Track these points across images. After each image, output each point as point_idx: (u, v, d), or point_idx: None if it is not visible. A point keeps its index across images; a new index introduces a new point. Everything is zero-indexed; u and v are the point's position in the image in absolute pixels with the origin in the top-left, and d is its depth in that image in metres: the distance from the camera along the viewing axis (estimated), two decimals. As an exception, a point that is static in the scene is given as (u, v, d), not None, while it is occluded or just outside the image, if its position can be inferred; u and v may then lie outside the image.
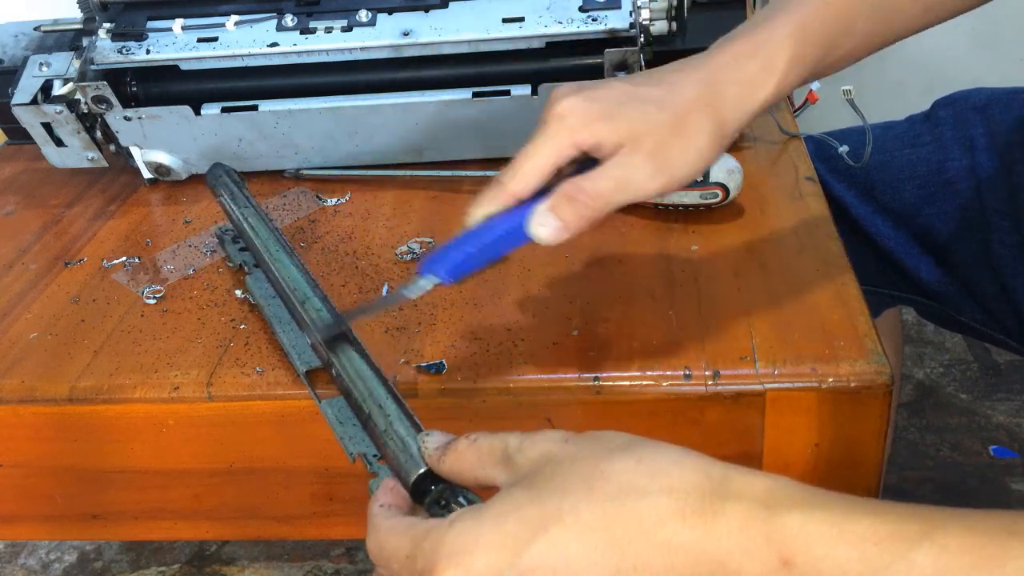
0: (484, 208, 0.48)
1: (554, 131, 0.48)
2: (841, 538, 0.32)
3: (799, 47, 0.49)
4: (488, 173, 0.73)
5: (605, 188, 0.46)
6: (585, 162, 0.48)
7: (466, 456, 0.39)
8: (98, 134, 0.76)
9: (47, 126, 0.75)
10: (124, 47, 0.73)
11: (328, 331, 0.50)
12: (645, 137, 0.47)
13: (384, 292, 0.62)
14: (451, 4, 0.73)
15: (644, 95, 0.48)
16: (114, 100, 0.73)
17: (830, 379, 0.50)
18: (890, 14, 0.53)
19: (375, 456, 0.47)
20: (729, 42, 0.51)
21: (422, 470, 0.40)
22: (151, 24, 0.74)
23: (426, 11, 0.72)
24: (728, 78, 0.49)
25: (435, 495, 0.40)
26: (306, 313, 0.52)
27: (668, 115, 0.47)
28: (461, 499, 0.39)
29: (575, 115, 0.47)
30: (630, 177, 0.47)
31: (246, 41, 0.72)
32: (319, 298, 0.53)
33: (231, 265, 0.65)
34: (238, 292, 0.63)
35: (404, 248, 0.66)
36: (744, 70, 0.49)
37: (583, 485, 0.35)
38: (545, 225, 0.46)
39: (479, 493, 0.39)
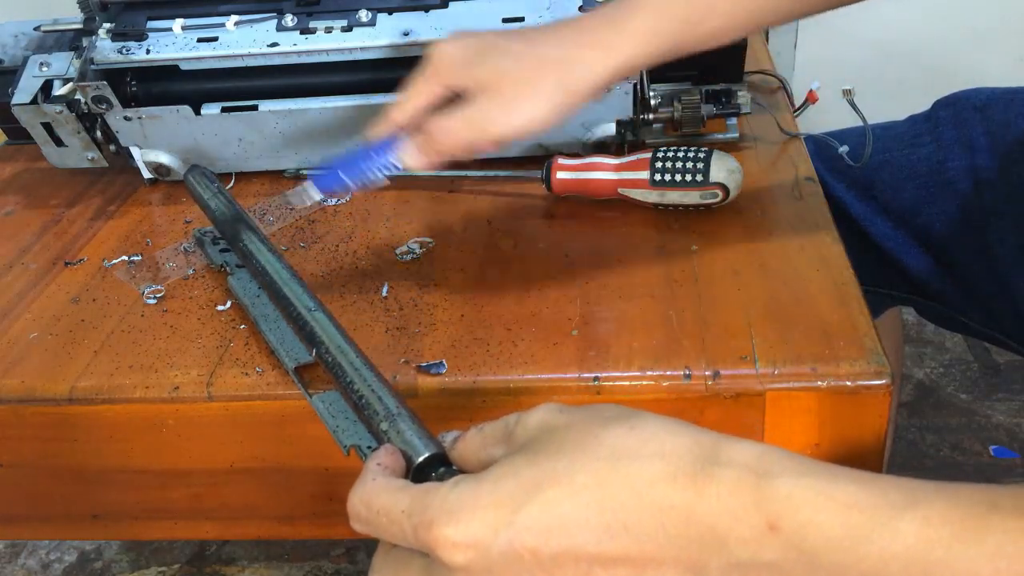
0: (375, 131, 0.56)
1: (428, 73, 0.55)
2: (827, 505, 0.32)
3: (656, 20, 0.53)
4: (488, 173, 0.73)
5: (455, 126, 0.53)
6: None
7: (473, 441, 0.40)
8: (98, 134, 0.76)
9: (47, 126, 0.75)
10: (124, 47, 0.73)
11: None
12: (498, 85, 0.53)
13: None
14: (451, 4, 0.73)
15: (507, 47, 0.54)
16: (114, 100, 0.73)
17: (830, 379, 0.50)
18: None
19: (369, 447, 0.47)
20: (598, 8, 0.55)
21: (425, 455, 0.41)
22: (151, 24, 0.74)
23: (426, 11, 0.72)
24: (584, 42, 0.53)
25: (437, 478, 0.41)
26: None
27: (522, 67, 0.53)
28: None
29: (445, 60, 0.55)
30: (478, 119, 0.53)
31: (246, 41, 0.72)
32: (321, 310, 0.53)
33: (213, 266, 0.65)
34: (238, 292, 0.63)
35: (404, 248, 0.66)
36: (600, 36, 0.53)
37: (577, 448, 0.36)
38: (406, 154, 0.54)
39: None
